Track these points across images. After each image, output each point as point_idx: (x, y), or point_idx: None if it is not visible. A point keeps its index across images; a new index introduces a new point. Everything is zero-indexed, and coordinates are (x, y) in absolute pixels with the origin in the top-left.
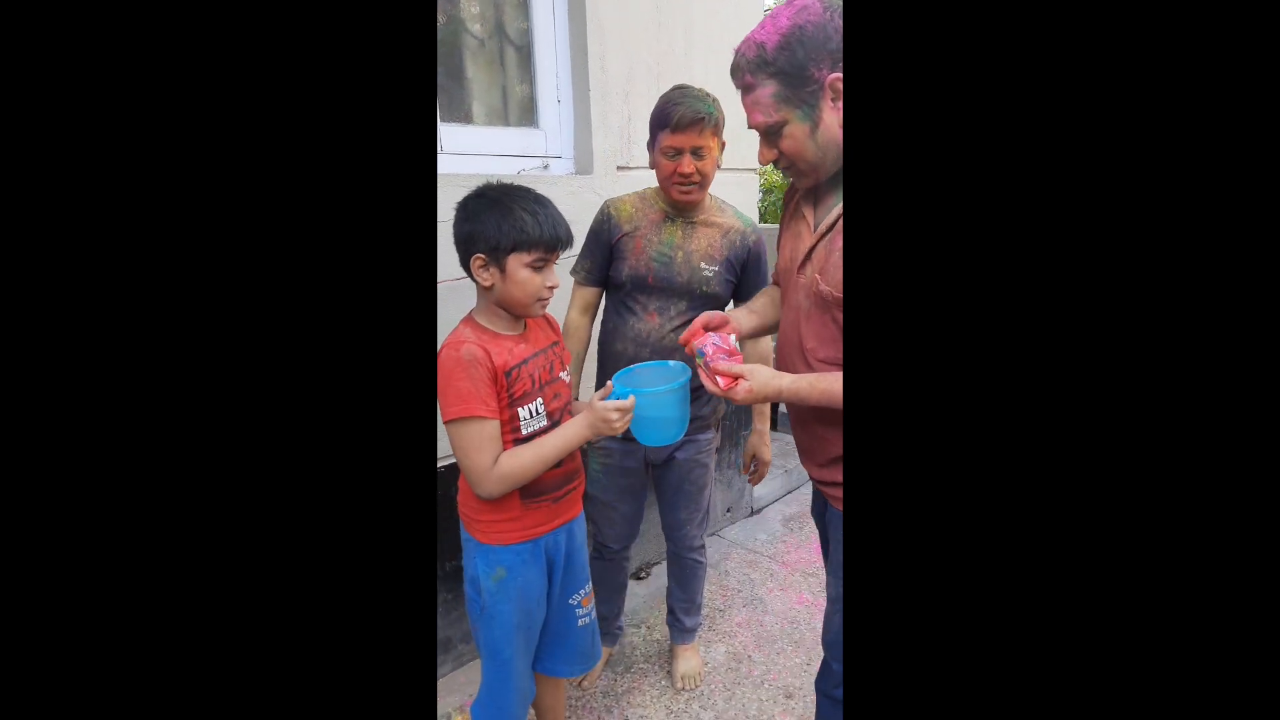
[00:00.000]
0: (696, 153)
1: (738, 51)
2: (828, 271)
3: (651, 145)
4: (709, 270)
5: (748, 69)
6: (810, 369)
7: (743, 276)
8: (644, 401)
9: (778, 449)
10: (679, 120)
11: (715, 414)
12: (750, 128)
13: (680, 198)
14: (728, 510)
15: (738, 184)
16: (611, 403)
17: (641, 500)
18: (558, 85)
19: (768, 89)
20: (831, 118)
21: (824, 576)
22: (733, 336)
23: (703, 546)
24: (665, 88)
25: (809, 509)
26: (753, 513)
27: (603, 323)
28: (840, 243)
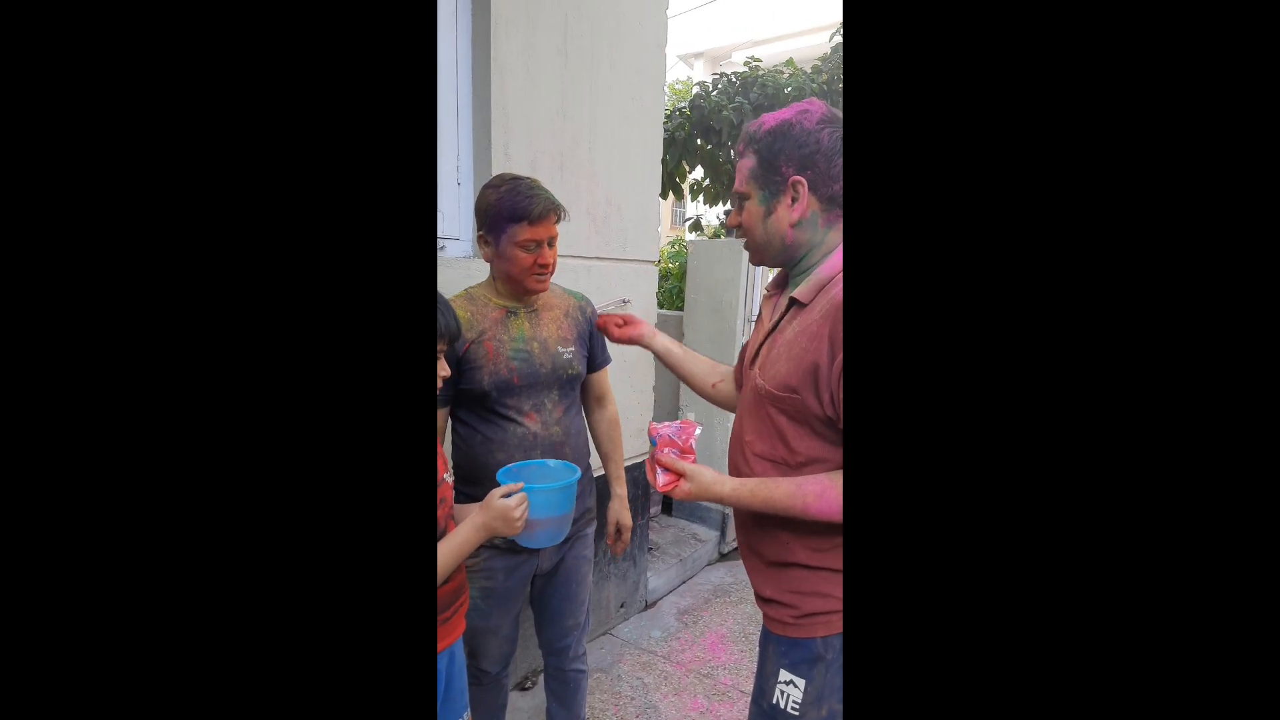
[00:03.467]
0: (550, 242)
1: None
2: (766, 367)
3: (498, 239)
4: (567, 352)
5: (744, 139)
6: (747, 463)
7: (591, 347)
8: (537, 500)
9: (671, 535)
10: (540, 212)
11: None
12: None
13: (539, 287)
14: (621, 605)
15: (637, 274)
16: (513, 499)
17: (519, 616)
18: (459, 167)
19: (749, 162)
20: (784, 213)
21: (720, 678)
22: (698, 431)
23: (585, 653)
24: (568, 177)
25: (703, 602)
26: (646, 606)
27: (464, 439)
28: (781, 341)
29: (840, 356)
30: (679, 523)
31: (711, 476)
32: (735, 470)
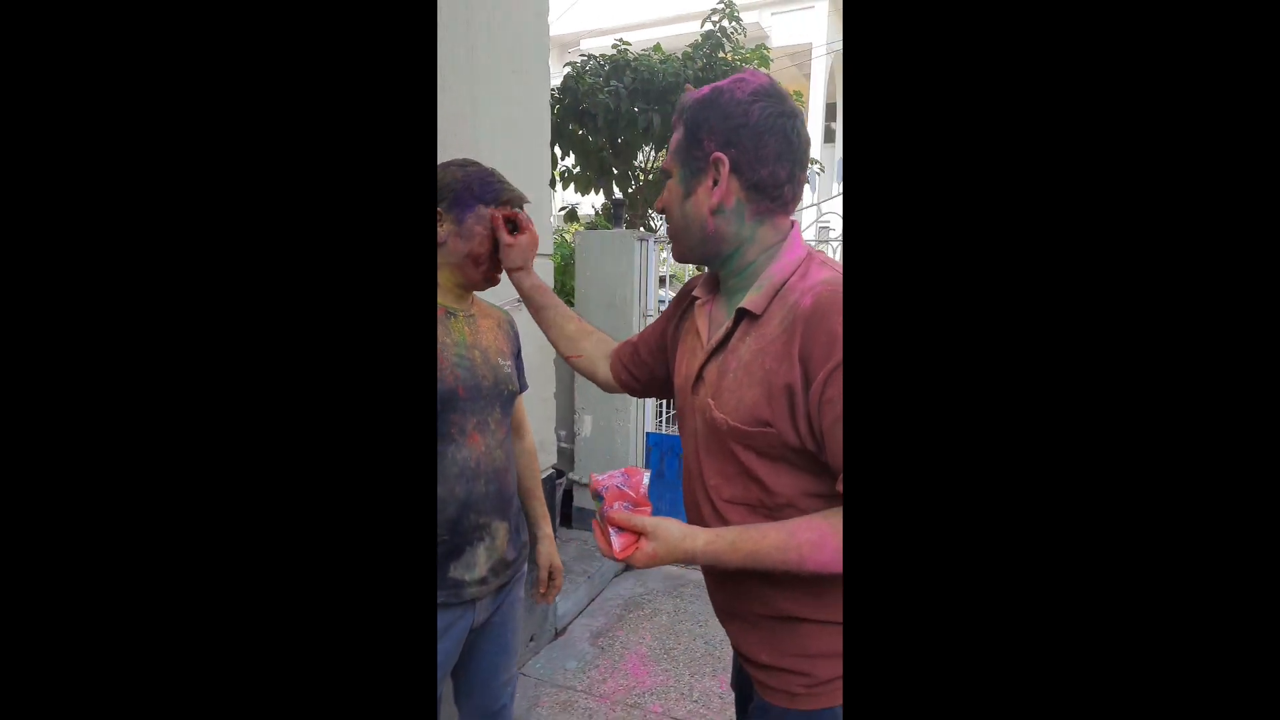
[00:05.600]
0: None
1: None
2: (721, 395)
3: (462, 215)
4: (507, 365)
5: (678, 109)
6: (715, 511)
7: (517, 366)
8: None
9: (574, 551)
10: (512, 198)
11: None
12: None
13: (497, 275)
14: (530, 639)
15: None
16: None
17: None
18: None
19: (677, 134)
20: (704, 197)
21: (649, 705)
22: (646, 477)
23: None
24: (446, 156)
25: (616, 620)
26: (556, 635)
27: None
28: (736, 363)
29: (821, 379)
30: (580, 535)
31: (679, 531)
32: (699, 521)
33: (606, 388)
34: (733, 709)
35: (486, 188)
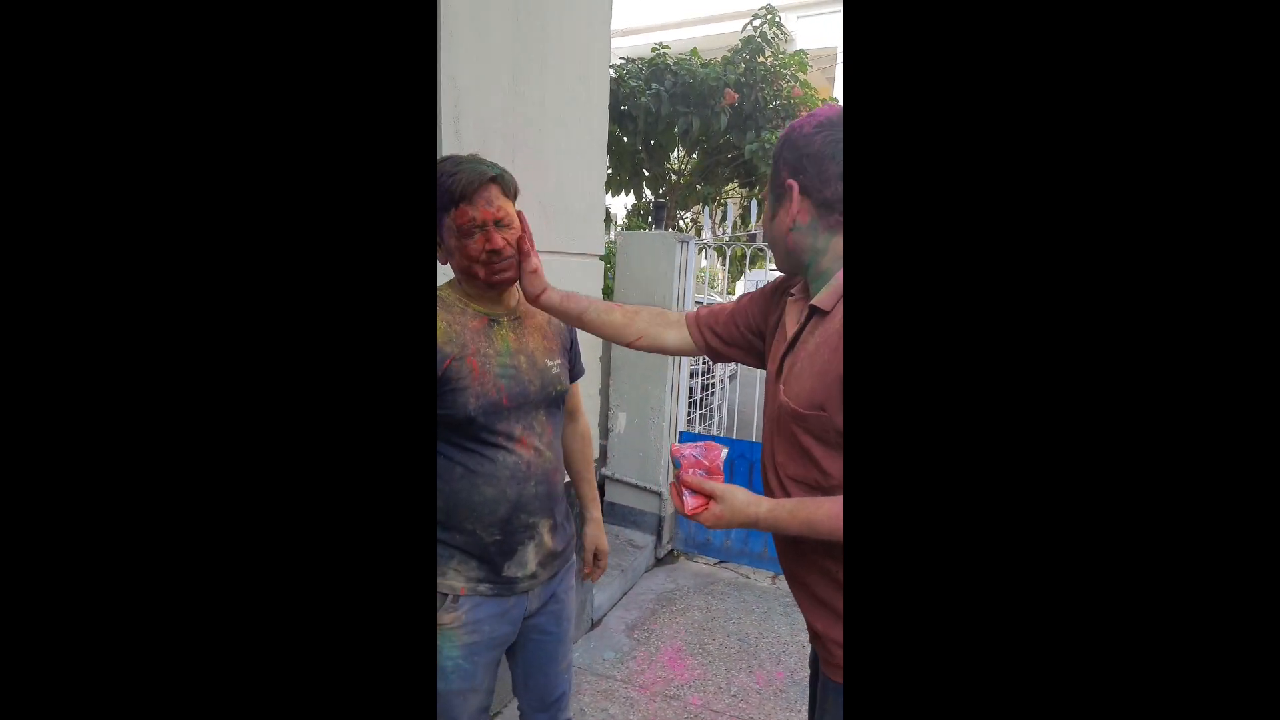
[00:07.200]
0: (499, 224)
1: None
2: (790, 383)
3: (440, 233)
4: (555, 366)
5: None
6: (782, 486)
7: (571, 358)
8: None
9: (608, 544)
10: (464, 187)
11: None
12: None
13: (496, 278)
14: None
15: (584, 269)
16: None
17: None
18: None
19: (772, 171)
20: (784, 218)
21: (688, 698)
22: (724, 453)
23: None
24: (520, 161)
25: (650, 614)
26: (593, 625)
27: (439, 475)
28: (804, 354)
29: None
30: (613, 529)
31: (745, 498)
32: (769, 494)
33: (679, 352)
34: (771, 703)
35: (442, 192)
